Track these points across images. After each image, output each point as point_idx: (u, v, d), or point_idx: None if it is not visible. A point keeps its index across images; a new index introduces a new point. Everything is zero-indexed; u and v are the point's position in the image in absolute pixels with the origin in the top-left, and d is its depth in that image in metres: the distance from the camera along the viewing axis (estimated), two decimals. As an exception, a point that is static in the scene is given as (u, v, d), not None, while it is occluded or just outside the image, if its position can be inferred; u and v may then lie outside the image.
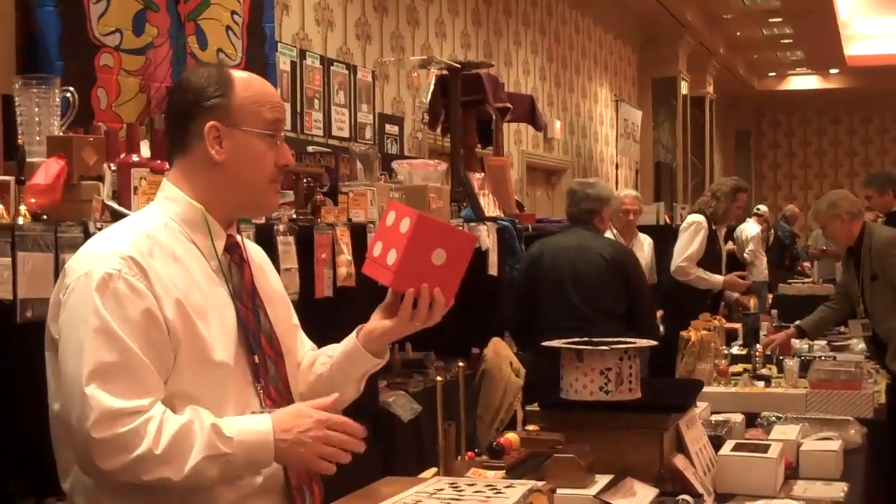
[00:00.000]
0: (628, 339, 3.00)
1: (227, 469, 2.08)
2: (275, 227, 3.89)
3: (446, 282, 2.33)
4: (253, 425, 2.12)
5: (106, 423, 1.99)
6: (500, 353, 5.46)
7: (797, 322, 6.27)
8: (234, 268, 2.31)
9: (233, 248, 2.33)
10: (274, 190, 2.31)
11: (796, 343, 6.19)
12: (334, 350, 2.50)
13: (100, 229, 2.88)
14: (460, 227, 2.21)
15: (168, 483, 2.05)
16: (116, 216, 3.05)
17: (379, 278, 2.36)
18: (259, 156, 2.26)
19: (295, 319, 2.57)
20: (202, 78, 2.29)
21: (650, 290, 6.41)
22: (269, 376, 2.28)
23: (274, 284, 2.49)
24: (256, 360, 2.25)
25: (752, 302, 9.15)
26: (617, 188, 13.38)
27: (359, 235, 4.54)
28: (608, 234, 7.34)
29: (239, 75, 2.32)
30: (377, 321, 2.40)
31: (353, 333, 2.45)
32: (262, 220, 3.86)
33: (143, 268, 2.13)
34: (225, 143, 2.25)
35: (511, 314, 6.06)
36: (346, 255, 4.37)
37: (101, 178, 3.16)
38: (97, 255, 2.14)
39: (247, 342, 2.24)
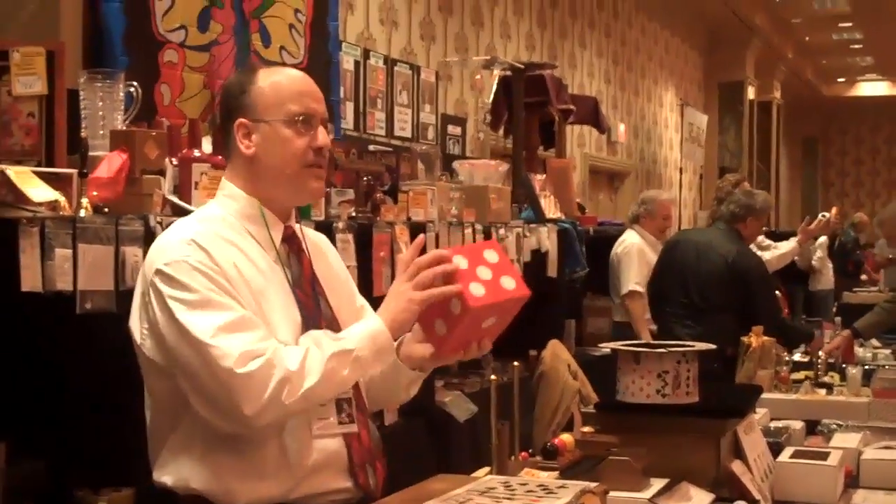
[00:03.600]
0: (686, 343, 2.93)
1: (357, 364, 2.18)
2: (334, 225, 3.90)
3: (493, 332, 2.29)
4: (363, 323, 2.25)
5: (242, 361, 2.07)
6: (559, 355, 5.39)
7: (853, 324, 6.25)
8: (293, 257, 2.36)
9: (291, 238, 2.38)
10: (311, 175, 2.34)
11: (860, 351, 6.09)
12: None
13: (160, 223, 2.97)
14: (511, 285, 2.17)
15: (311, 394, 2.13)
16: (177, 211, 3.11)
17: (424, 332, 2.31)
18: (285, 142, 2.30)
19: (360, 300, 2.60)
20: (233, 80, 2.40)
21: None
22: None
23: (336, 270, 2.54)
24: None
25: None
26: (681, 193, 13.24)
27: (418, 234, 4.25)
28: (637, 237, 7.46)
29: (264, 71, 2.38)
30: (415, 347, 2.38)
31: (396, 343, 2.42)
32: (322, 217, 3.90)
33: (207, 251, 2.20)
34: (253, 137, 2.31)
35: (649, 293, 6.63)
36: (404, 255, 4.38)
37: (162, 173, 3.20)
38: (164, 249, 2.22)
39: (307, 328, 2.27)
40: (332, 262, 2.55)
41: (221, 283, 2.18)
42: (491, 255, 2.22)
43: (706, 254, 6.15)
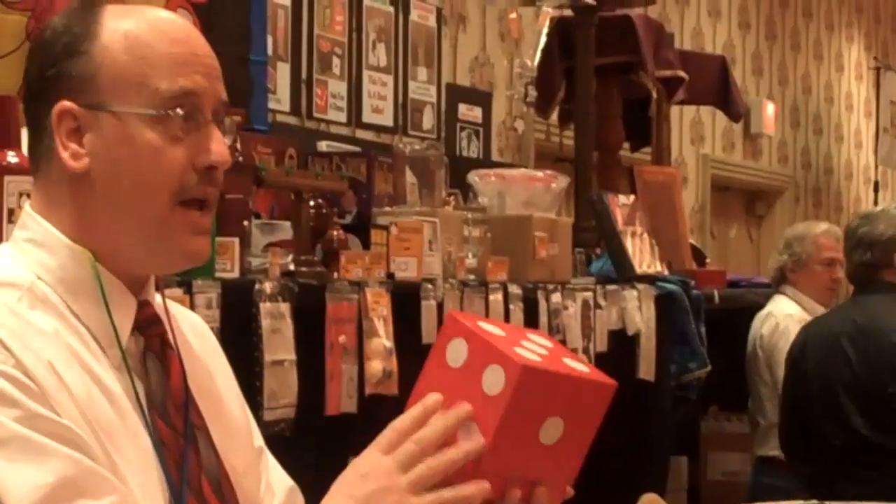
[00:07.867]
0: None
1: None
2: (256, 288, 3.88)
3: (558, 466, 2.22)
4: None
5: None
6: (658, 523, 5.09)
7: None
8: (152, 360, 2.29)
9: (149, 325, 2.29)
10: (187, 222, 2.21)
11: None
12: None
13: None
14: (583, 369, 2.25)
15: None
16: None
17: None
18: (147, 155, 2.19)
19: (259, 440, 2.52)
20: (56, 25, 2.25)
21: None
22: None
23: (222, 383, 2.47)
24: None
25: None
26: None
27: (407, 305, 4.48)
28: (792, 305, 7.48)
29: (113, 10, 2.24)
30: None
31: None
32: (234, 273, 3.89)
33: (15, 356, 2.09)
34: (87, 138, 2.19)
35: (780, 427, 6.43)
36: (381, 340, 4.31)
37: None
38: None
39: (174, 488, 2.20)
40: (214, 368, 2.48)
41: (42, 414, 2.06)
42: (541, 339, 2.25)
43: (867, 344, 6.02)
